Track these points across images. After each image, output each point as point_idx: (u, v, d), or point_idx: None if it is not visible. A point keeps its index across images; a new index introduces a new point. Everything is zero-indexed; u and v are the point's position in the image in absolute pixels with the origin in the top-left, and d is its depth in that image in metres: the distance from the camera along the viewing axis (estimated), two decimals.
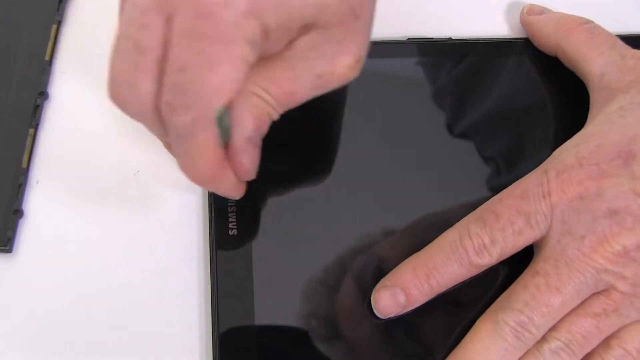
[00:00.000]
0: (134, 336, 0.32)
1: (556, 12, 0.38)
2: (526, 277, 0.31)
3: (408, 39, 0.38)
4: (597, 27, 0.36)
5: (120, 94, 0.27)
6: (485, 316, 0.31)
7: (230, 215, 0.33)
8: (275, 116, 0.29)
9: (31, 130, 0.35)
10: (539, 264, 0.30)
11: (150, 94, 0.26)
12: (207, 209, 0.34)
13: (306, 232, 0.34)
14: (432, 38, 0.38)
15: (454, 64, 0.37)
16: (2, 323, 0.32)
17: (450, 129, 0.36)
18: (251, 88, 0.27)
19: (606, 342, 0.31)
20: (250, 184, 0.33)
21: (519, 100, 0.37)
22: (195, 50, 0.25)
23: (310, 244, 0.33)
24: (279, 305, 0.32)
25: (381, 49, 0.37)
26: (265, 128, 0.28)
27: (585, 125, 0.34)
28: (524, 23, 0.39)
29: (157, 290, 0.33)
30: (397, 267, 0.32)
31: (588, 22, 0.37)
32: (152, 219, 0.34)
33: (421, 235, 0.33)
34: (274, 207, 0.34)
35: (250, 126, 0.27)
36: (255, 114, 0.27)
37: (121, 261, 0.33)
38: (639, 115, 0.32)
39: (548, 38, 0.37)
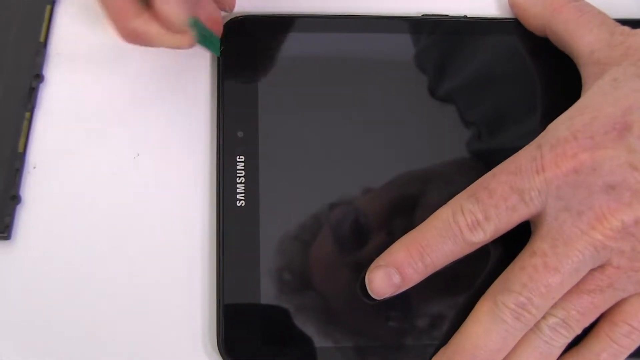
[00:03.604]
0: (134, 320, 0.31)
1: None
2: (523, 258, 0.29)
3: (423, 15, 0.37)
4: (586, 4, 0.35)
5: None
6: (484, 299, 0.30)
7: (238, 186, 0.32)
8: None
9: (27, 114, 0.33)
10: (536, 243, 0.29)
11: None
12: (213, 185, 0.33)
13: (313, 203, 0.33)
14: (447, 15, 0.36)
15: (468, 41, 0.36)
16: (1, 311, 0.31)
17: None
18: None
19: (611, 320, 0.30)
20: (258, 156, 0.33)
21: (511, 74, 0.36)
22: None
23: (318, 216, 0.33)
24: (284, 278, 0.32)
25: (394, 24, 0.36)
26: None
27: (580, 99, 0.32)
28: (512, 4, 0.37)
29: (161, 270, 0.32)
30: (390, 247, 0.31)
31: None
32: (153, 201, 0.33)
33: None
34: (283, 179, 0.33)
35: None
36: None
37: (123, 244, 0.32)
38: (633, 86, 0.30)
39: (536, 18, 0.35)
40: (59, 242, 0.32)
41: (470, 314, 0.30)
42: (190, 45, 0.31)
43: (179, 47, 0.31)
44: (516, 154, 0.31)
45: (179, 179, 0.34)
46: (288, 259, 0.32)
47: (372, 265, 0.31)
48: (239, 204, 0.32)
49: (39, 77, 0.34)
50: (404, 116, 0.35)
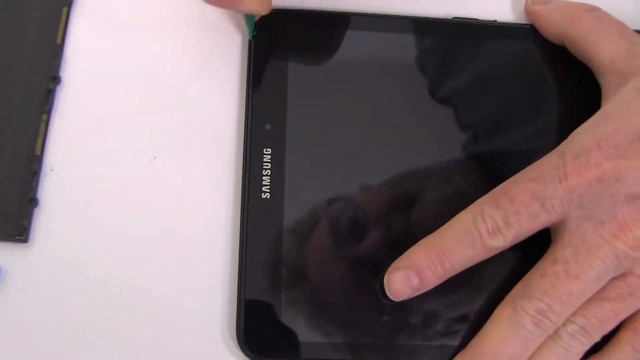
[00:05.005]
0: (155, 316, 0.31)
1: (561, 0, 0.36)
2: (544, 265, 0.29)
3: (453, 17, 0.36)
4: (605, 14, 0.34)
5: None
6: (503, 304, 0.30)
7: (264, 178, 0.32)
8: None
9: (44, 116, 0.33)
10: (558, 251, 0.29)
11: None
12: (238, 177, 0.33)
13: (339, 198, 0.33)
14: (478, 19, 0.36)
15: (499, 46, 0.36)
16: (19, 314, 0.31)
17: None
18: None
19: (633, 328, 0.30)
20: (285, 149, 0.33)
21: (543, 79, 0.36)
22: None
23: (343, 211, 0.33)
24: (306, 272, 0.32)
25: (424, 25, 0.36)
26: None
27: (602, 107, 0.32)
28: (528, 12, 0.36)
29: (182, 265, 0.32)
30: (409, 249, 0.31)
31: (595, 9, 0.34)
32: (175, 197, 0.33)
33: None
34: (309, 172, 0.33)
35: None
36: None
37: (142, 241, 0.32)
38: None
39: (554, 27, 0.35)
40: (76, 244, 0.32)
41: (489, 319, 0.30)
42: (267, 11, 0.32)
43: (258, 12, 0.32)
44: (538, 161, 0.30)
45: (203, 172, 0.33)
46: (311, 253, 0.32)
47: (391, 267, 0.31)
48: (264, 196, 0.32)
49: (55, 79, 0.34)
50: (430, 115, 0.35)
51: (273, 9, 0.35)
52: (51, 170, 0.33)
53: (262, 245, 0.32)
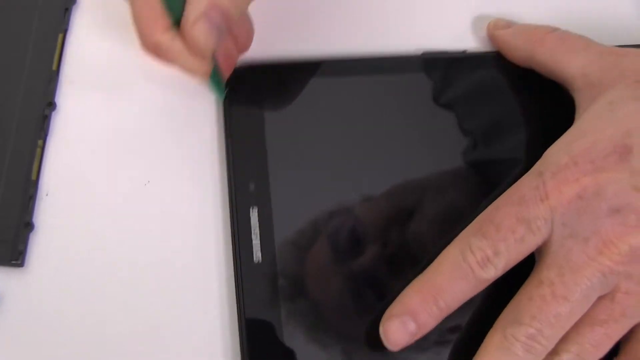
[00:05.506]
0: (151, 345, 0.32)
1: (522, 24, 0.36)
2: (530, 288, 0.29)
3: (423, 53, 0.36)
4: (566, 32, 0.35)
5: None
6: (493, 331, 0.30)
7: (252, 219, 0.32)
8: (233, 11, 0.29)
9: (40, 142, 0.33)
10: (543, 272, 0.29)
11: None
12: (224, 216, 0.33)
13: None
14: (447, 51, 0.36)
15: (467, 76, 0.36)
16: (16, 338, 0.31)
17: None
18: None
19: (634, 350, 0.30)
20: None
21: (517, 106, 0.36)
22: None
23: (332, 241, 0.33)
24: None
25: (397, 64, 0.36)
26: (225, 16, 0.29)
27: (575, 123, 0.32)
28: (492, 38, 0.37)
29: (175, 293, 0.32)
30: (401, 293, 0.31)
31: (555, 29, 0.35)
32: (164, 229, 0.33)
33: None
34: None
35: (204, 4, 0.29)
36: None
37: (136, 269, 0.32)
38: (630, 109, 0.30)
39: (519, 51, 0.35)
40: (72, 268, 0.32)
41: (480, 348, 0.30)
42: (205, 75, 0.31)
43: (194, 73, 0.31)
44: (517, 184, 0.30)
45: (190, 202, 0.34)
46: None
47: (385, 315, 0.31)
48: (255, 260, 0.32)
49: (51, 105, 0.34)
50: (413, 158, 0.34)
51: (244, 65, 0.35)
52: (47, 194, 0.33)
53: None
